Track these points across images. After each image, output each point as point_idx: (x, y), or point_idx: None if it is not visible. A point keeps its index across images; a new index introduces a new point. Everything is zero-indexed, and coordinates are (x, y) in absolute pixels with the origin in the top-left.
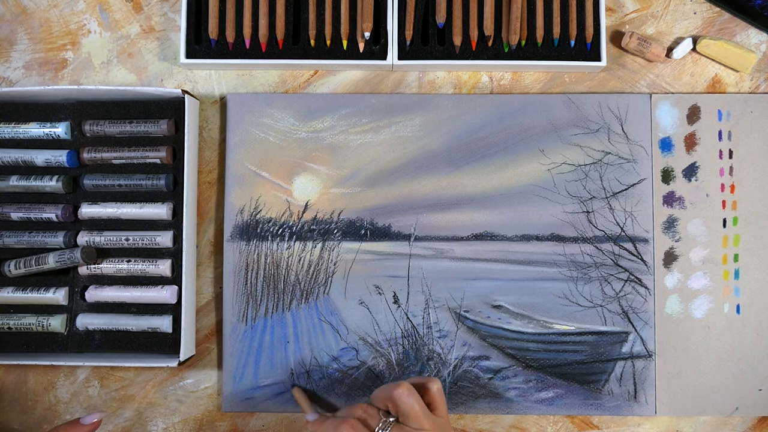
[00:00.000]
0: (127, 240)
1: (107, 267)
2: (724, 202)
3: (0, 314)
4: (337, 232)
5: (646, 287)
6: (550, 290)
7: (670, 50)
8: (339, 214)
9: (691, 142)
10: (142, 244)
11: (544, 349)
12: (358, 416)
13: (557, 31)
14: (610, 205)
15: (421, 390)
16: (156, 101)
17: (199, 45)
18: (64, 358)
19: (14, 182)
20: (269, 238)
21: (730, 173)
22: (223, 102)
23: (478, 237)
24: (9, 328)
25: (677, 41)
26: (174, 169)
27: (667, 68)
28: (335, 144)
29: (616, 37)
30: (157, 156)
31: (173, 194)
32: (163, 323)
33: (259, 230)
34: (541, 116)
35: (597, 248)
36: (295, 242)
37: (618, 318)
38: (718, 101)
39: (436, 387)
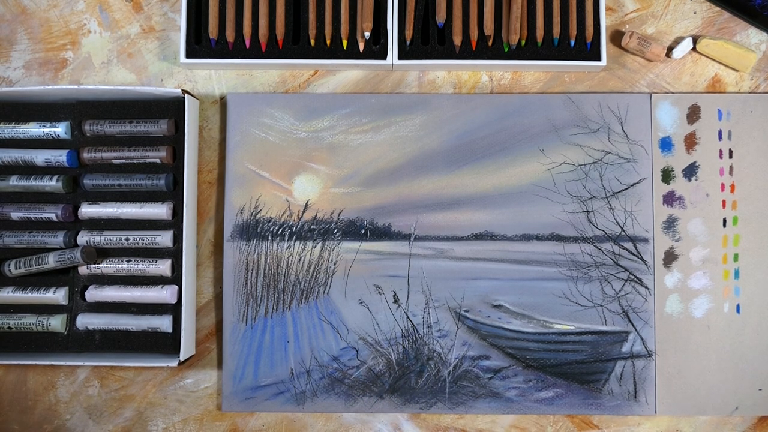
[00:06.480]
0: (127, 240)
1: (107, 267)
2: (724, 202)
3: (0, 314)
4: (337, 231)
5: (646, 287)
6: (550, 290)
7: (670, 50)
8: (339, 214)
9: (691, 141)
10: (142, 244)
11: (544, 349)
12: None
13: (557, 30)
14: (610, 205)
15: None
16: (156, 101)
17: (199, 45)
18: (64, 358)
19: (14, 182)
20: (269, 237)
21: (730, 173)
22: (223, 102)
23: (478, 237)
24: (9, 328)
25: (677, 41)
26: (174, 168)
27: (667, 68)
28: (335, 144)
29: (616, 37)
30: (157, 156)
31: (173, 194)
32: (163, 323)
33: (259, 230)
34: (541, 116)
35: (597, 248)
36: (295, 242)
37: (618, 318)
38: (718, 101)
39: None
